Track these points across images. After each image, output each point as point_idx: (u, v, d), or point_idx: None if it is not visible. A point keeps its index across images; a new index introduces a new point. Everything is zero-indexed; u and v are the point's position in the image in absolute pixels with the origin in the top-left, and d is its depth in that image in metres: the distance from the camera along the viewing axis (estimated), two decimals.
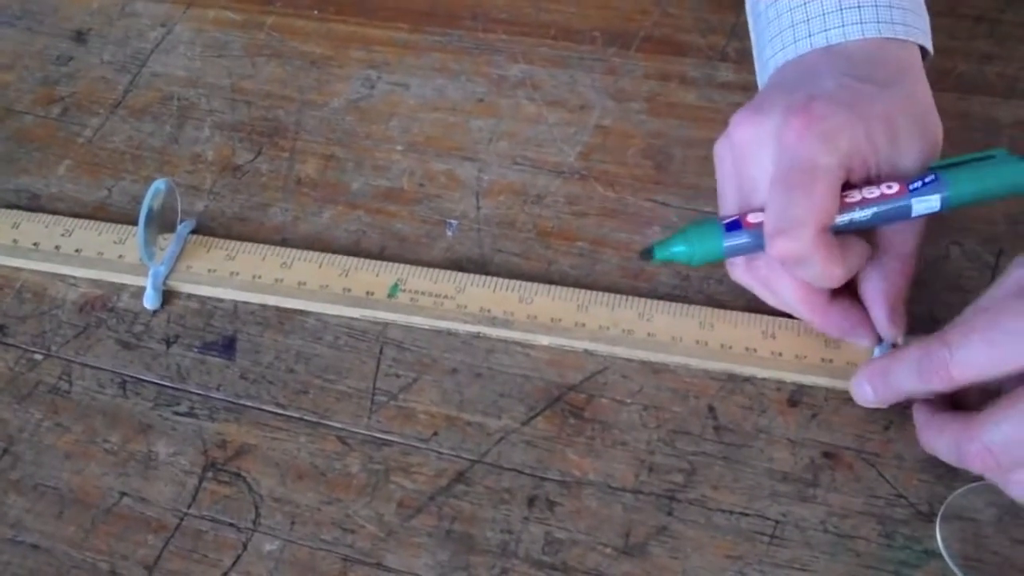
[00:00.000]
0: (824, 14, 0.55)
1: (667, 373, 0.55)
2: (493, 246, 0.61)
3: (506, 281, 0.58)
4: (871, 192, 0.52)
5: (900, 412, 0.53)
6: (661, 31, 0.71)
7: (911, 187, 0.51)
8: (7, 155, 0.66)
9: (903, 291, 0.54)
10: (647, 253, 0.54)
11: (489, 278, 0.58)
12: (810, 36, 0.56)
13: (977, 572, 0.49)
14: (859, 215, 0.51)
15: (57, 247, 0.61)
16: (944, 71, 0.67)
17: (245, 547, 0.51)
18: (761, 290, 0.55)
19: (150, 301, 0.58)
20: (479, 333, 0.57)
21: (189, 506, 0.52)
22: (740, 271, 0.55)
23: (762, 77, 0.60)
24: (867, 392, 0.51)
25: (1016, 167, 0.52)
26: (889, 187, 0.52)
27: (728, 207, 0.54)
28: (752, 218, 0.52)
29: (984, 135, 0.64)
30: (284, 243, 0.61)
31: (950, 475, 0.51)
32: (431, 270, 0.59)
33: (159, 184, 0.57)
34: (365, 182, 0.64)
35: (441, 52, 0.71)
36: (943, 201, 0.52)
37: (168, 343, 0.58)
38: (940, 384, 0.47)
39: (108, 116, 0.68)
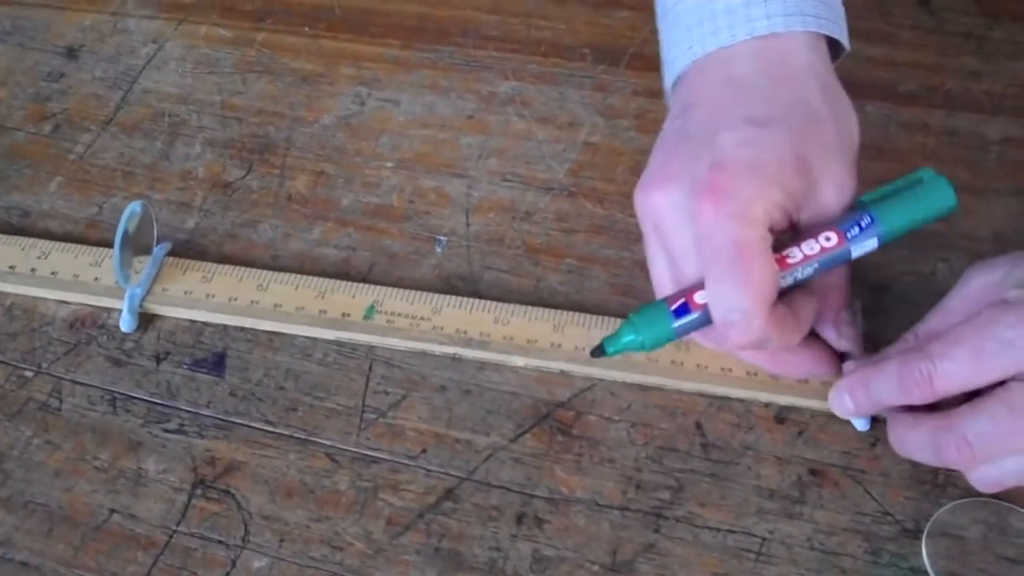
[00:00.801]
0: (729, 11, 0.53)
1: (655, 391, 0.56)
2: (482, 263, 0.61)
3: (482, 302, 0.59)
4: (811, 249, 0.50)
5: (886, 430, 0.53)
6: (650, 48, 0.71)
7: (849, 236, 0.50)
8: None
9: (842, 311, 0.54)
10: (598, 351, 0.52)
11: (465, 299, 0.59)
12: (703, 41, 0.53)
13: None
14: (801, 273, 0.50)
15: (33, 269, 0.61)
16: (932, 88, 0.68)
17: (234, 564, 0.51)
18: (727, 354, 0.56)
19: (126, 324, 0.59)
20: (455, 355, 0.57)
21: (178, 523, 0.52)
22: (702, 341, 0.54)
23: (668, 78, 0.57)
24: (847, 403, 0.52)
25: (944, 191, 0.51)
26: (828, 239, 0.50)
27: (661, 278, 0.52)
28: (699, 298, 0.50)
29: (971, 151, 0.65)
30: (275, 259, 0.62)
31: (936, 492, 0.52)
32: (407, 292, 0.59)
33: (134, 207, 0.58)
34: (355, 199, 0.65)
35: (431, 69, 0.71)
36: (879, 239, 0.51)
37: (158, 360, 0.58)
38: (921, 396, 0.48)
39: (99, 133, 0.69)
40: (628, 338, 0.52)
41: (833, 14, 0.54)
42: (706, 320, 0.50)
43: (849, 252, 0.51)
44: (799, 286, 0.51)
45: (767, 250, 0.49)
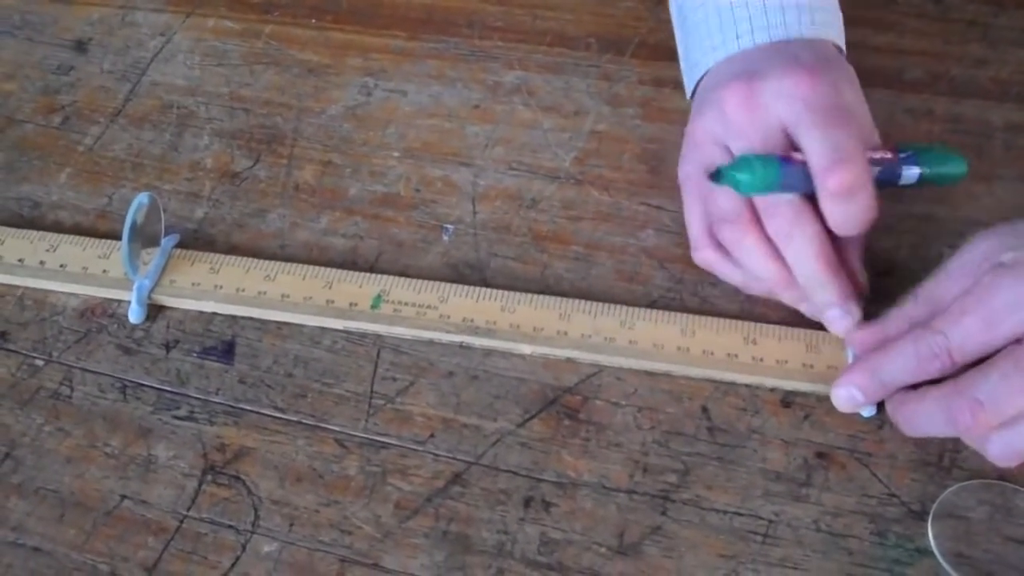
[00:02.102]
0: (751, 17, 0.58)
1: (661, 375, 0.56)
2: (489, 251, 0.61)
3: (488, 291, 0.59)
4: (874, 154, 0.54)
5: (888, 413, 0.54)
6: (655, 37, 0.72)
7: (901, 156, 0.55)
8: (9, 164, 0.67)
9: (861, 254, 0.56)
10: (716, 176, 0.53)
11: (472, 288, 0.59)
12: (726, 45, 0.58)
13: (969, 570, 0.49)
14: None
15: (42, 262, 0.61)
16: (937, 75, 0.68)
17: (244, 549, 0.51)
18: (725, 266, 0.57)
19: (135, 315, 0.59)
20: (462, 343, 0.57)
21: (189, 508, 0.53)
22: (704, 250, 0.57)
23: (690, 79, 0.62)
24: (855, 396, 0.52)
25: (961, 160, 0.56)
26: (885, 154, 0.54)
27: (696, 227, 0.58)
28: (797, 155, 0.53)
29: (977, 138, 0.65)
30: (282, 248, 0.62)
31: (942, 474, 0.52)
32: (414, 281, 0.59)
33: (142, 198, 0.58)
34: (362, 188, 0.65)
35: (437, 59, 0.71)
36: (920, 177, 0.55)
37: (168, 348, 0.58)
38: (941, 368, 0.49)
39: (108, 125, 0.69)
40: (742, 174, 0.52)
41: (835, 20, 0.59)
42: (805, 177, 0.52)
43: (900, 173, 0.55)
44: None
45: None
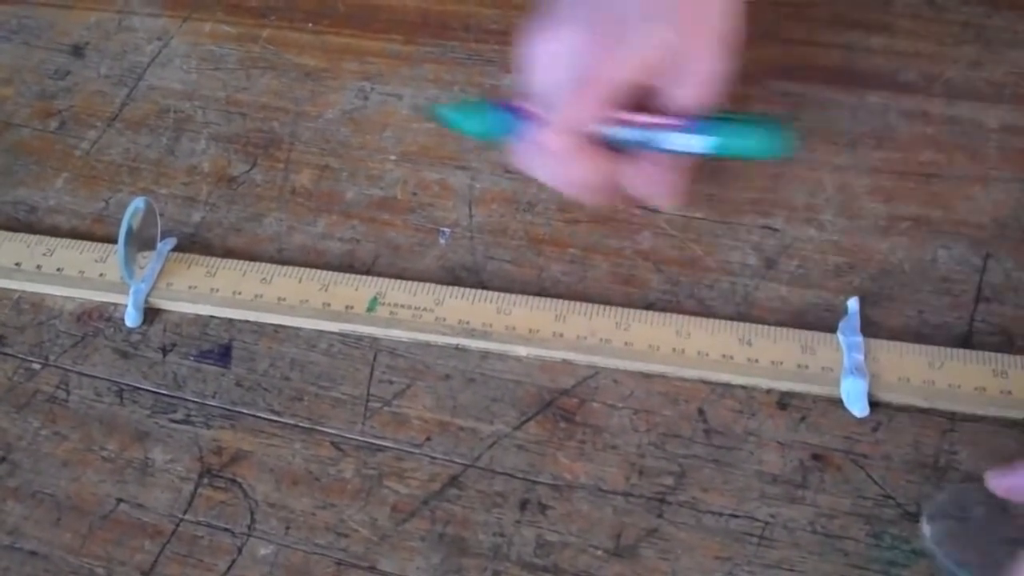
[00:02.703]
0: None
1: (658, 378, 0.56)
2: (486, 254, 0.62)
3: (484, 293, 0.59)
4: (648, 118, 0.56)
5: (888, 414, 0.54)
6: None
7: (687, 122, 0.56)
8: (5, 168, 0.67)
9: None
10: (433, 114, 0.61)
11: (468, 290, 0.59)
12: None
13: (965, 570, 0.49)
14: (633, 133, 0.56)
15: (39, 266, 0.61)
16: (932, 77, 0.68)
17: (240, 552, 0.51)
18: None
19: (131, 319, 0.59)
20: (458, 345, 0.57)
21: (185, 512, 0.53)
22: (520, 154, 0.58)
23: None
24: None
25: (778, 135, 0.56)
26: (667, 118, 0.56)
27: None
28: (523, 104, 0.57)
29: (972, 139, 0.65)
30: (279, 252, 0.62)
31: (937, 475, 0.52)
32: (410, 283, 0.60)
33: (138, 203, 0.58)
34: (359, 192, 0.65)
35: (434, 63, 0.71)
36: (710, 146, 0.56)
37: (164, 352, 0.58)
38: None
39: (105, 129, 0.69)
40: (455, 115, 0.58)
41: None
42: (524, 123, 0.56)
43: (675, 138, 0.56)
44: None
45: (613, 91, 0.54)
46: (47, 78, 0.72)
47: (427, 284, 0.59)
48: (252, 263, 0.61)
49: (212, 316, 0.59)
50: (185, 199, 0.65)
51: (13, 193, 0.66)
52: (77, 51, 0.74)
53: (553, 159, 0.56)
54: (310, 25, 0.75)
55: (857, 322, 0.56)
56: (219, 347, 0.58)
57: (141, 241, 0.59)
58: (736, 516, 0.51)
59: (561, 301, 0.58)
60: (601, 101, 0.54)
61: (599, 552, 0.51)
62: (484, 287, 0.60)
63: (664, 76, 0.55)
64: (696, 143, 0.56)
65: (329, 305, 0.59)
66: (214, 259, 0.61)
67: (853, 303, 0.57)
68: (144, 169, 0.67)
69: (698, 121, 0.56)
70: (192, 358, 0.58)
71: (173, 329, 0.59)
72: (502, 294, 0.59)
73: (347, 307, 0.59)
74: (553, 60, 0.55)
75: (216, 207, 0.65)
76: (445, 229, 0.63)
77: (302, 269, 0.60)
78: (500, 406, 0.55)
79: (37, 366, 0.58)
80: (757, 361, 0.55)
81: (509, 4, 0.74)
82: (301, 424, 0.55)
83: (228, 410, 0.56)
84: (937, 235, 0.60)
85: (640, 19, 0.54)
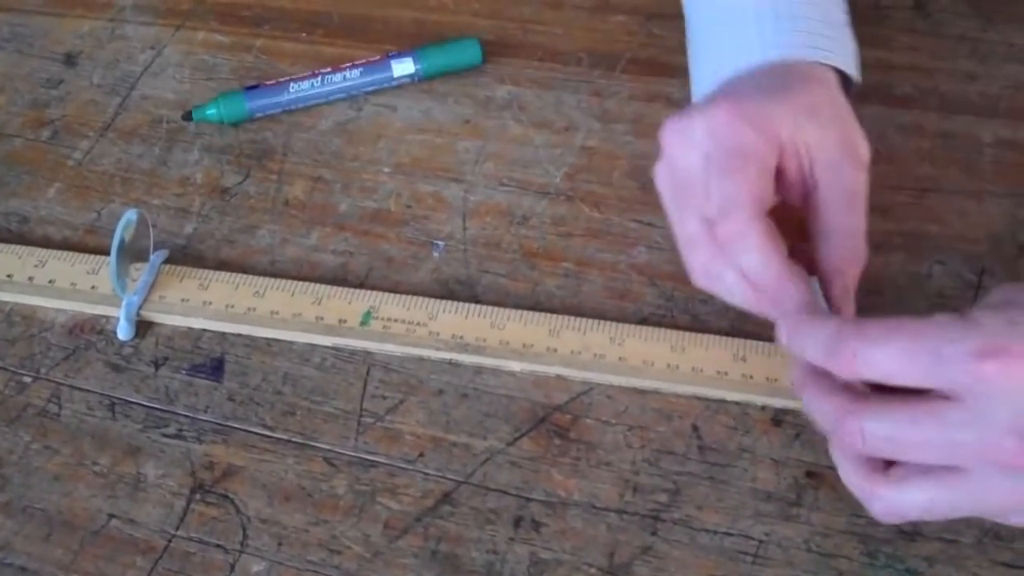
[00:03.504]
0: (746, 41, 0.58)
1: (652, 394, 0.56)
2: (479, 267, 0.61)
3: (478, 307, 0.59)
4: (359, 60, 0.69)
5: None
6: (647, 52, 0.72)
7: (391, 55, 0.69)
8: None
9: (846, 275, 0.53)
10: (187, 116, 0.68)
11: (462, 304, 0.59)
12: (735, 60, 0.57)
13: None
14: (350, 76, 0.69)
15: (30, 278, 0.61)
16: (927, 90, 0.68)
17: (232, 568, 0.51)
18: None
19: (123, 332, 0.59)
20: (451, 360, 0.57)
21: (177, 528, 0.52)
22: (698, 275, 0.54)
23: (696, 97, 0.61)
24: (782, 336, 0.50)
25: (472, 45, 0.70)
26: (373, 57, 0.70)
27: (680, 224, 0.54)
28: (268, 81, 0.69)
29: (966, 154, 0.65)
30: (272, 264, 0.62)
31: None
32: (404, 297, 0.59)
33: (130, 215, 0.58)
34: (352, 204, 0.65)
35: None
36: (418, 70, 0.70)
37: (156, 365, 0.58)
38: (840, 371, 0.45)
39: (98, 139, 0.69)
40: (211, 111, 0.68)
41: (842, 49, 0.58)
42: (275, 101, 0.69)
43: (391, 68, 0.69)
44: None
45: (769, 167, 0.52)
46: (39, 87, 0.72)
47: (421, 298, 0.59)
48: (245, 276, 0.61)
49: (204, 329, 0.59)
50: (178, 210, 0.65)
51: (5, 204, 0.66)
52: (70, 60, 0.74)
53: (739, 254, 0.52)
54: (304, 35, 0.74)
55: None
56: (211, 361, 0.58)
57: (133, 253, 0.59)
58: (730, 534, 0.51)
59: (555, 316, 0.58)
60: (764, 170, 0.52)
61: (593, 570, 0.50)
62: (478, 300, 0.60)
63: (809, 135, 0.53)
64: (408, 65, 0.69)
65: (322, 319, 0.59)
66: (207, 272, 0.61)
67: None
68: (136, 180, 0.67)
69: (405, 52, 0.69)
70: (184, 372, 0.58)
71: (165, 343, 0.59)
72: (496, 308, 0.59)
73: (340, 321, 0.58)
74: (686, 149, 0.53)
75: (209, 219, 0.64)
76: (439, 242, 0.63)
77: (295, 282, 0.60)
78: (494, 422, 0.55)
79: (28, 379, 0.58)
80: (752, 377, 0.55)
81: (503, 16, 0.74)
82: (294, 439, 0.55)
83: (220, 425, 0.56)
84: (932, 250, 0.60)
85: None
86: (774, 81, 0.55)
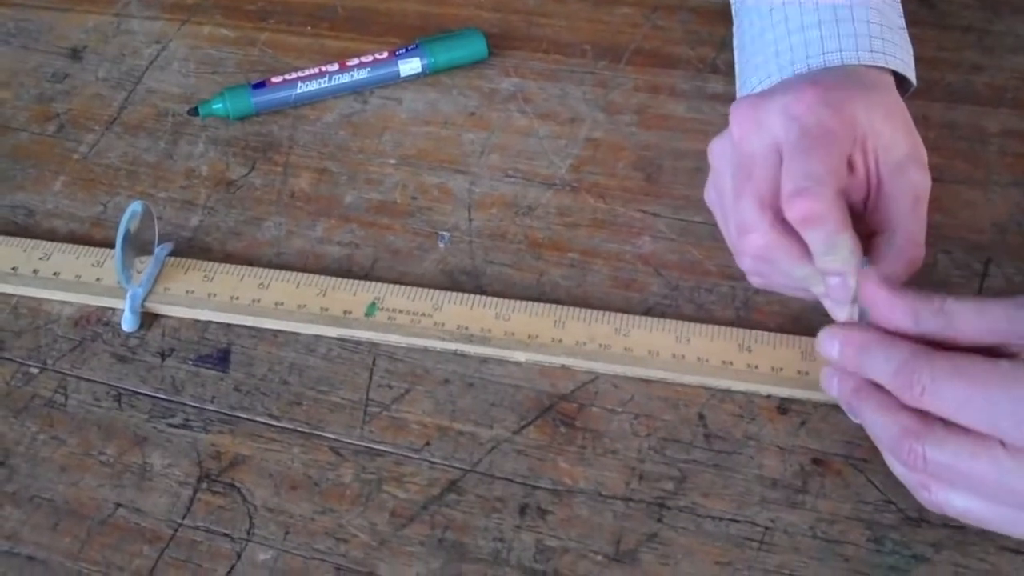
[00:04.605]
0: (806, 44, 0.57)
1: (657, 382, 0.56)
2: (485, 258, 0.61)
3: (483, 298, 0.59)
4: (366, 58, 0.69)
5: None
6: (651, 44, 0.72)
7: (397, 53, 0.70)
8: (3, 172, 0.67)
9: (907, 272, 0.52)
10: (193, 111, 0.69)
11: (467, 295, 0.59)
12: (793, 62, 0.57)
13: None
14: (358, 75, 0.69)
15: (35, 271, 0.61)
16: (932, 81, 0.68)
17: (239, 557, 0.51)
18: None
19: (128, 324, 0.59)
20: (456, 351, 0.57)
21: (184, 517, 0.52)
22: (750, 261, 0.54)
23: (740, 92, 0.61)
24: (833, 349, 0.49)
25: (478, 39, 0.70)
26: (380, 54, 0.70)
27: (726, 195, 0.54)
28: (275, 78, 0.69)
29: (972, 144, 0.65)
30: (278, 256, 0.62)
31: None
32: (409, 288, 0.59)
33: (135, 207, 0.58)
34: (358, 196, 0.65)
35: None
36: (424, 66, 0.70)
37: (163, 356, 0.58)
38: (905, 397, 0.46)
39: (103, 132, 0.69)
40: (217, 105, 0.68)
41: (902, 52, 0.58)
42: (282, 98, 0.69)
43: (397, 68, 0.70)
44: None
45: (846, 151, 0.51)
46: (45, 81, 0.72)
47: (426, 289, 0.59)
48: (250, 268, 0.61)
49: (211, 320, 0.59)
50: (183, 203, 0.65)
51: (11, 197, 0.66)
52: (75, 54, 0.74)
53: (813, 229, 0.51)
54: (309, 28, 0.75)
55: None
56: (217, 351, 0.58)
57: (138, 245, 0.59)
58: (736, 521, 0.51)
59: (560, 307, 0.58)
60: (844, 153, 0.52)
61: (599, 557, 0.50)
62: (483, 291, 0.60)
63: (880, 132, 0.53)
64: (416, 63, 0.69)
65: (327, 310, 0.59)
66: (212, 264, 0.61)
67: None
68: (142, 172, 0.67)
69: (412, 46, 0.70)
70: (190, 362, 0.58)
71: (171, 333, 0.59)
72: (501, 299, 0.59)
73: (345, 312, 0.58)
74: (757, 130, 0.53)
75: (214, 211, 0.65)
76: (444, 233, 0.63)
77: (300, 274, 0.60)
78: (500, 411, 0.55)
79: (35, 370, 0.58)
80: (757, 367, 0.55)
81: (508, 8, 0.74)
82: (300, 429, 0.55)
83: (226, 415, 0.56)
84: (937, 240, 0.60)
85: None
86: (841, 80, 0.54)
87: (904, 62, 0.58)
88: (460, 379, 0.56)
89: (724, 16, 0.70)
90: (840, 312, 0.52)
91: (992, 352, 0.45)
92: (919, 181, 0.53)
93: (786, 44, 0.58)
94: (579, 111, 0.68)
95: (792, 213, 0.50)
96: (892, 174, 0.53)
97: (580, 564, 0.50)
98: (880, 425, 0.47)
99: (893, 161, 0.53)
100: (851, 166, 0.52)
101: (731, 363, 0.56)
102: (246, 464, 0.54)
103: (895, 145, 0.53)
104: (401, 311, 0.58)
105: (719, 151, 0.55)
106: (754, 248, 0.53)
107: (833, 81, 0.54)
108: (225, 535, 0.52)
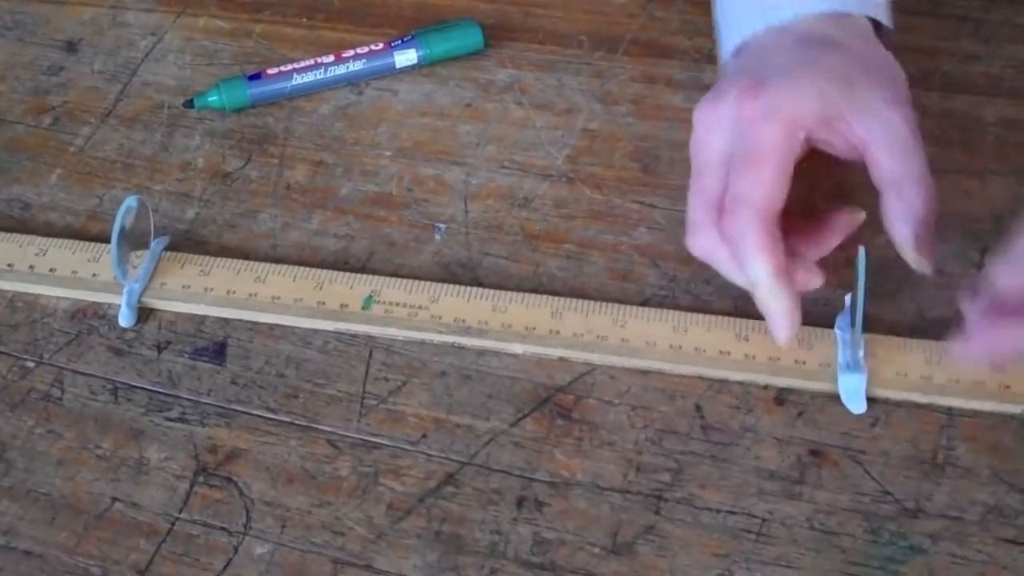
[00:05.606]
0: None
1: (654, 373, 0.56)
2: (481, 250, 0.61)
3: (480, 290, 0.59)
4: (362, 49, 0.69)
5: (886, 409, 0.54)
6: (648, 34, 0.72)
7: (393, 44, 0.69)
8: None
9: (926, 217, 0.53)
10: (189, 103, 0.68)
11: (463, 288, 0.59)
12: (765, 15, 0.58)
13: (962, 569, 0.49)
14: (354, 66, 0.69)
15: (31, 266, 0.61)
16: (929, 71, 0.68)
17: (236, 551, 0.51)
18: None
19: (124, 319, 0.59)
20: (453, 343, 0.57)
21: (180, 511, 0.52)
22: (701, 243, 0.55)
23: (723, 60, 0.62)
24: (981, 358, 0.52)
25: (474, 31, 0.70)
26: (376, 45, 0.69)
27: (690, 204, 0.55)
28: (270, 70, 0.69)
29: (969, 134, 0.65)
30: (274, 248, 0.62)
31: (936, 472, 0.52)
32: (405, 281, 0.59)
33: (130, 201, 0.58)
34: (354, 187, 0.65)
35: None
36: (420, 58, 0.69)
37: (159, 349, 0.58)
38: None
39: (99, 125, 0.69)
40: (213, 97, 0.68)
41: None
42: (276, 90, 0.69)
43: (393, 59, 0.69)
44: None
45: (787, 163, 0.52)
46: (41, 74, 0.72)
47: (422, 282, 0.59)
48: (246, 262, 0.60)
49: (207, 314, 0.59)
50: (179, 195, 0.65)
51: (7, 190, 0.66)
52: (71, 47, 0.74)
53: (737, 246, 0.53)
54: (304, 20, 0.74)
55: (855, 317, 0.56)
56: (214, 344, 0.58)
57: (134, 240, 0.59)
58: (733, 512, 0.51)
59: (557, 298, 0.58)
60: (781, 169, 0.53)
61: (596, 549, 0.50)
62: (480, 283, 0.60)
63: (835, 101, 0.54)
64: (411, 55, 0.69)
65: (324, 304, 0.59)
66: (208, 258, 0.61)
67: (850, 298, 0.56)
68: (138, 165, 0.67)
69: (408, 37, 0.69)
70: (187, 356, 0.58)
71: (168, 326, 0.59)
72: (497, 291, 0.58)
73: (342, 305, 0.58)
74: (710, 134, 0.55)
75: (210, 203, 0.64)
76: (440, 225, 0.63)
77: (296, 268, 0.60)
78: (496, 403, 0.55)
79: (31, 364, 0.58)
80: (754, 357, 0.55)
81: None
82: (297, 422, 0.55)
83: (223, 408, 0.56)
84: (935, 229, 0.60)
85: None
86: (801, 48, 0.55)
87: (872, 7, 0.58)
88: (457, 371, 0.56)
89: None
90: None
91: None
92: (899, 123, 0.53)
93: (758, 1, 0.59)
94: (575, 102, 0.68)
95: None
96: (871, 131, 0.53)
97: (577, 556, 0.50)
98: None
99: (867, 119, 0.53)
100: (826, 145, 0.54)
101: (728, 353, 0.56)
102: (243, 457, 0.54)
103: (860, 105, 0.53)
104: (398, 304, 0.58)
105: (691, 149, 0.56)
106: (699, 249, 0.55)
107: (782, 64, 0.55)
108: (222, 529, 0.52)
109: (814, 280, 0.54)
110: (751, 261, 0.52)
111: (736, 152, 0.53)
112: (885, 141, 0.53)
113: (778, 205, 0.52)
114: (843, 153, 0.55)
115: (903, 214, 0.53)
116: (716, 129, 0.54)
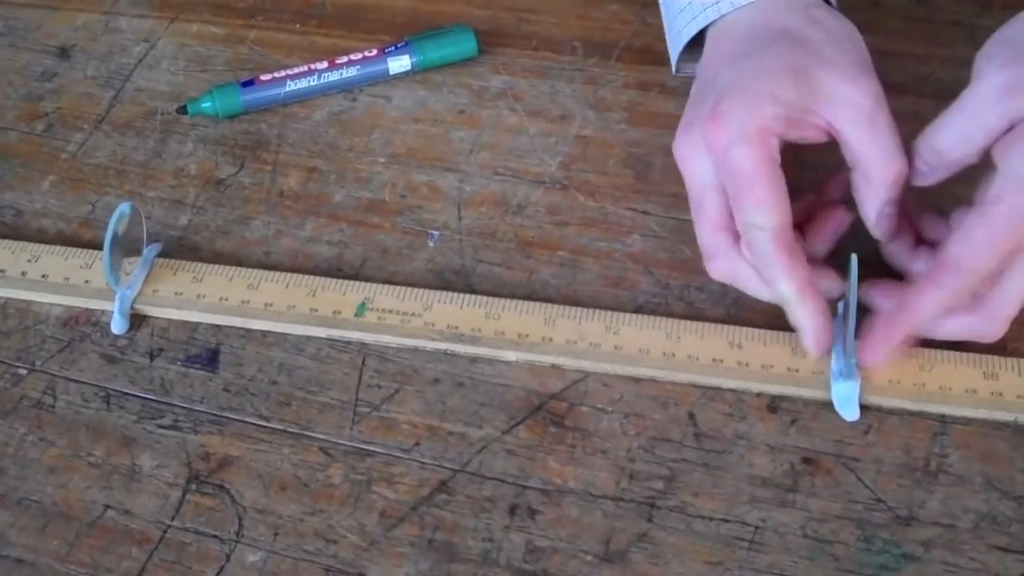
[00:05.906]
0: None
1: (647, 381, 0.56)
2: (475, 256, 0.61)
3: (473, 297, 0.59)
4: (355, 55, 0.69)
5: (878, 417, 0.54)
6: (641, 41, 0.72)
7: (386, 50, 0.69)
8: None
9: (892, 197, 0.55)
10: (182, 109, 0.68)
11: (456, 295, 0.59)
12: (706, 15, 0.59)
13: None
14: (347, 73, 0.69)
15: (23, 273, 0.61)
16: (922, 77, 0.68)
17: (228, 558, 0.51)
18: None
19: (117, 326, 0.59)
20: (446, 350, 0.57)
21: (172, 518, 0.52)
22: (719, 266, 0.56)
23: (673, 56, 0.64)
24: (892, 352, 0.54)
25: (468, 37, 0.70)
26: (369, 51, 0.69)
27: (699, 235, 0.57)
28: (264, 76, 0.68)
29: None
30: (267, 255, 0.62)
31: (928, 479, 0.52)
32: (398, 288, 0.59)
33: (123, 208, 0.58)
34: (347, 194, 0.65)
35: None
36: (413, 64, 0.69)
37: (152, 357, 0.58)
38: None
39: (92, 131, 0.69)
40: (206, 104, 0.68)
41: None
42: (269, 96, 0.68)
43: (386, 65, 0.69)
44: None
45: (773, 172, 0.53)
46: (33, 80, 0.72)
47: (415, 289, 0.59)
48: (239, 268, 0.60)
49: (199, 321, 0.59)
50: (172, 202, 0.65)
51: (0, 197, 0.65)
52: (64, 53, 0.74)
53: (764, 269, 0.54)
54: (297, 26, 0.74)
55: (847, 324, 0.56)
56: (206, 352, 0.58)
57: (127, 246, 0.59)
58: (726, 520, 0.51)
59: (551, 305, 0.58)
60: (772, 181, 0.53)
61: (589, 557, 0.50)
62: (473, 290, 0.59)
63: (796, 101, 0.54)
64: (405, 61, 0.69)
65: (317, 311, 0.58)
66: (200, 264, 0.61)
67: (843, 306, 0.56)
68: (131, 172, 0.67)
69: (402, 43, 0.69)
70: (179, 363, 0.58)
71: (160, 334, 0.59)
72: (491, 299, 0.58)
73: (334, 312, 0.58)
74: (693, 163, 0.56)
75: (203, 210, 0.64)
76: (434, 232, 0.63)
77: (289, 274, 0.60)
78: (489, 410, 0.55)
79: (23, 371, 0.58)
80: (747, 365, 0.55)
81: (497, 5, 0.74)
82: (289, 429, 0.55)
83: (216, 415, 0.56)
84: None
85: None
86: (748, 48, 0.56)
87: None
88: (450, 379, 0.56)
89: None
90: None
91: None
92: (861, 98, 0.54)
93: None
94: (569, 108, 0.68)
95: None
96: (835, 115, 0.54)
97: (570, 564, 0.50)
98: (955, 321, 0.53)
99: (827, 104, 0.54)
100: (803, 139, 0.55)
101: (721, 360, 0.56)
102: (235, 465, 0.54)
103: (818, 94, 0.54)
104: (391, 311, 0.58)
105: (685, 183, 0.58)
106: (719, 273, 0.56)
107: (733, 77, 0.55)
108: (214, 536, 0.52)
109: (834, 287, 0.55)
110: (777, 283, 0.53)
111: (724, 181, 0.54)
112: (850, 119, 0.54)
113: (787, 216, 0.53)
114: (821, 139, 0.55)
115: (868, 196, 0.55)
116: (697, 160, 0.55)
